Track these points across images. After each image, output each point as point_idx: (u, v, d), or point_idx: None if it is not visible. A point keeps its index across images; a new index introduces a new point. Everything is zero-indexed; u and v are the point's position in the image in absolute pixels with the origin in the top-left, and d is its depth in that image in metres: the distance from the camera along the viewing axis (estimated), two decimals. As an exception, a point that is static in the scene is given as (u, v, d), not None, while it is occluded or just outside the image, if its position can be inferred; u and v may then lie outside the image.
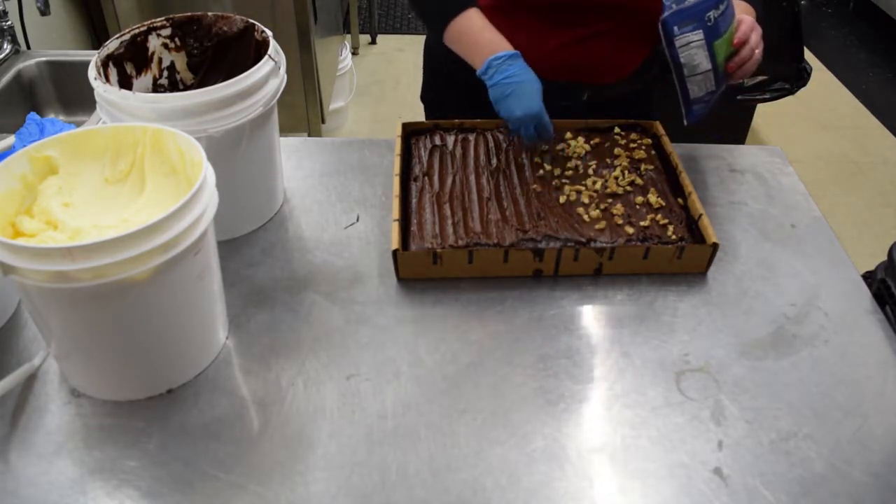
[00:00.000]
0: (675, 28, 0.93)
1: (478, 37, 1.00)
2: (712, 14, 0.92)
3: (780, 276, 0.96)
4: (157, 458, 0.72)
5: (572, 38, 1.08)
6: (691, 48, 0.94)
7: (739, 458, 0.74)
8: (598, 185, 1.01)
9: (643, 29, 1.09)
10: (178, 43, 0.99)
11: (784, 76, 2.26)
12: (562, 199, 0.99)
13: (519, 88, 0.96)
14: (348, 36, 3.27)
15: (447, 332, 0.86)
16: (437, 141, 1.09)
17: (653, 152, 1.08)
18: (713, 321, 0.89)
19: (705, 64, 0.95)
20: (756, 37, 1.00)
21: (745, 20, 0.99)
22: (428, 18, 1.08)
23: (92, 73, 0.86)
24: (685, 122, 1.02)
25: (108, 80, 0.91)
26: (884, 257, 0.97)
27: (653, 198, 0.99)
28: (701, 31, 0.93)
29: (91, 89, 0.86)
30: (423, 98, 1.31)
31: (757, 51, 0.99)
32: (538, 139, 1.01)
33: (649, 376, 0.82)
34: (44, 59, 1.50)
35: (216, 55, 1.01)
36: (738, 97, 2.28)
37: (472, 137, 1.09)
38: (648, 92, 1.24)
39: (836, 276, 0.96)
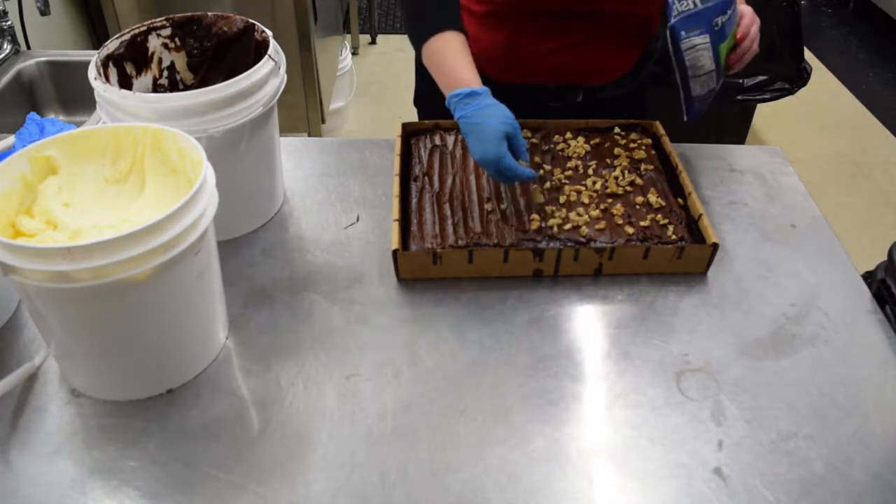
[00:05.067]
0: (682, 32, 0.94)
1: (444, 65, 0.92)
2: (720, 19, 0.93)
3: (780, 276, 0.96)
4: (157, 458, 0.72)
5: (566, 42, 1.08)
6: (697, 50, 0.95)
7: (739, 458, 0.74)
8: (598, 185, 1.01)
9: (635, 32, 1.10)
10: (178, 43, 0.99)
11: (784, 76, 2.26)
12: (562, 199, 0.99)
13: (477, 130, 0.87)
14: (348, 36, 3.27)
15: (447, 332, 0.86)
16: (437, 141, 1.09)
17: (653, 152, 1.08)
18: (713, 321, 0.89)
19: (709, 65, 0.97)
20: (755, 29, 1.01)
21: (745, 12, 1.00)
22: (409, 33, 0.99)
23: (92, 73, 0.86)
24: (685, 118, 1.03)
25: (108, 80, 0.91)
26: (884, 257, 0.97)
27: (653, 198, 0.99)
28: (707, 34, 0.94)
29: (91, 89, 0.86)
30: (416, 103, 1.31)
31: (755, 43, 1.01)
32: (512, 181, 0.90)
33: (649, 376, 0.82)
34: (44, 59, 1.50)
35: (216, 55, 1.01)
36: (738, 97, 2.27)
37: (472, 137, 1.09)
38: (641, 93, 1.23)
39: (836, 276, 0.96)
